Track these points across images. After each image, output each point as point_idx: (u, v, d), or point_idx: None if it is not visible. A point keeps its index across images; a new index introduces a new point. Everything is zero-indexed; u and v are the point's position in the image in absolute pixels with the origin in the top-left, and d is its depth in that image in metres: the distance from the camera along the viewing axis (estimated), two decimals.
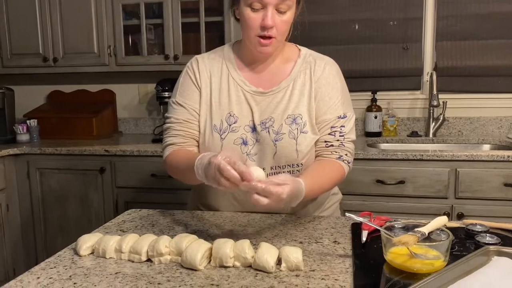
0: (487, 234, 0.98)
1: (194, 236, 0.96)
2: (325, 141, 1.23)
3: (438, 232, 0.91)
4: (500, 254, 0.84)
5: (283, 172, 1.23)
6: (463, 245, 0.96)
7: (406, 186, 2.09)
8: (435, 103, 2.45)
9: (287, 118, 1.22)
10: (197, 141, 1.26)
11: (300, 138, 1.21)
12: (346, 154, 1.23)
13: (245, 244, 0.90)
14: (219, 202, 1.30)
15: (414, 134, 2.59)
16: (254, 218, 1.20)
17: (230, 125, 1.22)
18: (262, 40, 1.16)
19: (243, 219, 1.20)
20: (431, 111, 2.56)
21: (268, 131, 1.21)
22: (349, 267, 0.88)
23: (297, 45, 1.32)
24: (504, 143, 2.38)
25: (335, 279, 0.83)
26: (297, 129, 1.21)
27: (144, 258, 0.93)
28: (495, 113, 2.55)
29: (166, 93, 2.63)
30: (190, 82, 1.28)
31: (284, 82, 1.24)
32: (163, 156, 1.27)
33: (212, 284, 0.82)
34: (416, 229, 0.90)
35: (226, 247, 0.89)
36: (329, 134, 1.23)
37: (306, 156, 1.22)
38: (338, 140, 1.22)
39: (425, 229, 0.90)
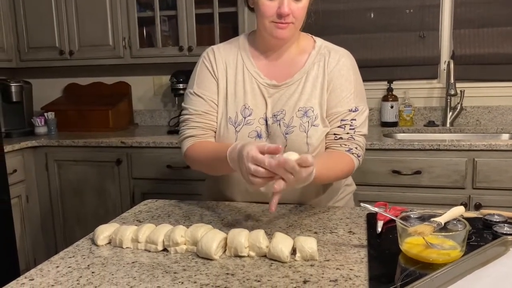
0: (505, 224, 0.97)
1: (209, 226, 0.97)
2: (334, 134, 1.21)
3: (455, 222, 0.90)
4: None
5: None
6: (481, 236, 0.95)
7: (422, 177, 2.07)
8: (452, 92, 2.41)
9: (298, 111, 1.21)
10: (215, 132, 1.26)
11: (311, 131, 1.20)
12: (356, 148, 1.21)
13: (260, 234, 0.90)
14: (233, 192, 1.30)
15: (431, 123, 2.55)
16: (267, 208, 1.20)
17: (245, 118, 1.22)
18: (279, 24, 1.15)
19: (258, 209, 1.20)
20: (448, 100, 2.52)
21: (279, 124, 1.21)
22: (364, 257, 0.88)
23: (313, 36, 1.31)
24: None
25: (350, 269, 0.83)
26: (308, 122, 1.20)
27: (160, 247, 0.94)
28: None
29: (181, 85, 2.64)
30: (208, 73, 1.27)
31: (297, 74, 1.24)
32: (182, 148, 1.27)
33: (227, 273, 0.82)
34: (432, 219, 0.89)
35: (241, 237, 0.89)
36: (338, 127, 1.21)
37: (316, 149, 1.21)
38: (348, 133, 1.21)
39: (442, 219, 0.89)
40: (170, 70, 2.74)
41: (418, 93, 2.63)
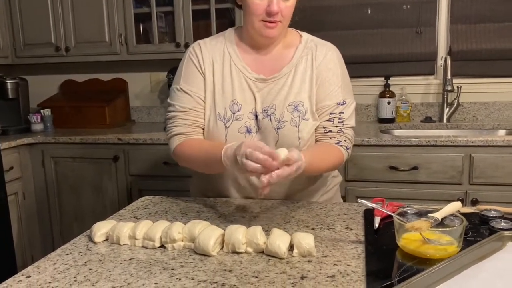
0: (502, 220, 0.97)
1: (207, 223, 0.97)
2: (324, 127, 1.23)
3: (452, 217, 0.91)
4: None
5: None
6: (477, 231, 0.95)
7: (419, 172, 2.07)
8: (449, 88, 2.41)
9: (288, 105, 1.21)
10: (203, 129, 1.26)
11: (302, 125, 1.21)
12: (345, 140, 1.22)
13: (257, 230, 0.90)
14: (223, 187, 1.30)
15: (427, 119, 2.56)
16: (266, 204, 1.21)
17: (234, 113, 1.22)
18: (268, 23, 1.15)
19: (255, 206, 1.20)
20: (445, 96, 2.52)
21: (270, 119, 1.21)
22: (361, 252, 0.88)
23: (298, 31, 1.31)
24: None
25: (348, 265, 0.83)
26: (299, 116, 1.21)
27: (157, 244, 0.94)
28: (510, 98, 2.51)
29: None
30: (194, 68, 1.26)
31: (285, 68, 1.23)
32: (171, 146, 1.26)
33: (225, 270, 0.82)
34: (429, 214, 0.89)
35: (239, 233, 0.89)
36: (327, 120, 1.22)
37: (307, 143, 1.22)
38: (337, 126, 1.22)
39: (438, 215, 0.89)
40: (167, 67, 2.73)
41: (415, 89, 2.63)
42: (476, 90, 2.54)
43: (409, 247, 0.85)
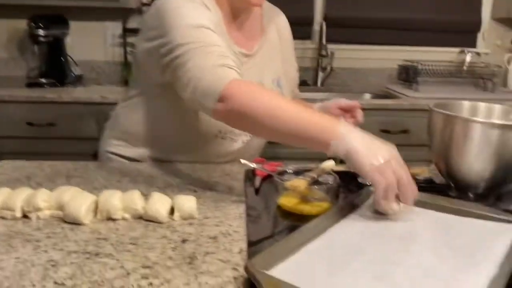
0: None
1: (77, 189, 0.88)
2: (295, 95, 1.36)
3: (326, 175, 0.96)
4: None
5: None
6: (348, 187, 1.02)
7: None
8: (323, 53, 2.53)
9: (273, 82, 1.20)
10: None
11: None
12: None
13: (135, 194, 0.84)
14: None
15: (303, 83, 2.67)
16: (145, 167, 1.15)
17: None
18: None
19: (132, 169, 1.13)
20: (320, 61, 2.65)
21: None
22: (243, 212, 0.88)
23: None
24: (382, 92, 2.58)
25: (229, 225, 0.82)
26: (282, 92, 1.22)
27: (18, 214, 0.82)
28: (377, 65, 2.73)
29: (41, 30, 2.33)
30: (204, 8, 1.01)
31: (260, 41, 1.19)
32: (219, 82, 0.86)
33: (99, 238, 0.76)
34: (306, 173, 0.93)
35: (114, 199, 0.83)
36: (295, 87, 1.36)
37: None
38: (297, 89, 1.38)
39: (315, 173, 0.94)
40: (26, 14, 2.40)
41: None
42: (347, 56, 2.71)
43: (288, 204, 0.88)
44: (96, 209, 0.84)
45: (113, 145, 1.26)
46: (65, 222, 0.82)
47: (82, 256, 0.70)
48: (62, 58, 2.50)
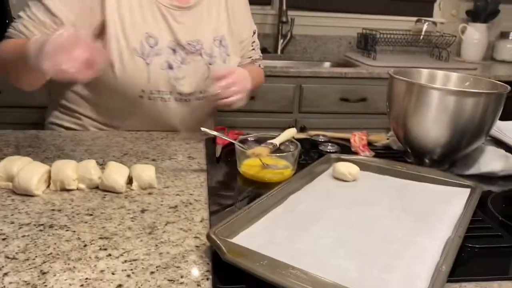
0: (329, 144, 1.06)
1: (28, 159, 0.84)
2: (250, 57, 1.30)
3: (287, 143, 0.95)
4: (339, 160, 0.92)
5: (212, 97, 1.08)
6: (308, 155, 1.02)
7: (255, 102, 2.15)
8: (284, 19, 2.50)
9: (214, 40, 1.15)
10: None
11: (229, 61, 1.19)
12: (263, 68, 1.33)
13: (90, 164, 0.81)
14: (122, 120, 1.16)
15: (264, 50, 2.63)
16: (101, 136, 1.10)
17: (152, 48, 1.07)
18: None
19: (87, 138, 1.08)
20: (280, 27, 2.61)
21: (201, 54, 1.13)
22: (204, 181, 0.87)
23: None
24: (341, 61, 2.59)
25: (190, 194, 0.81)
26: (225, 52, 1.18)
27: None
28: (336, 32, 2.73)
29: None
30: None
31: None
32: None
33: (53, 209, 0.73)
34: (268, 141, 0.92)
35: (67, 169, 0.79)
36: (252, 49, 1.29)
37: None
38: (257, 53, 1.33)
39: (277, 141, 0.93)
40: None
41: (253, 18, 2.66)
42: (307, 23, 2.69)
43: (250, 172, 0.87)
44: (48, 180, 0.80)
45: (55, 116, 1.21)
46: (16, 194, 0.77)
47: (35, 229, 0.67)
48: (6, 20, 2.34)
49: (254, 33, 1.31)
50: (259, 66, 1.37)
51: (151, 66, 1.08)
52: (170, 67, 1.11)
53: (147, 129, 1.15)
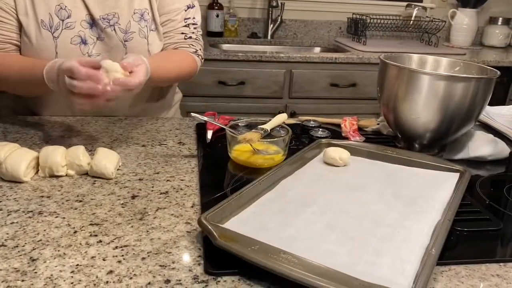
0: (320, 129, 1.06)
1: (15, 145, 0.83)
2: (183, 33, 1.15)
3: (278, 128, 0.95)
4: (330, 145, 0.92)
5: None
6: (299, 140, 1.02)
7: (245, 87, 2.14)
8: (274, 4, 2.47)
9: (134, 13, 1.08)
10: (18, 46, 1.04)
11: (151, 37, 1.10)
12: (200, 49, 1.20)
13: (79, 150, 0.80)
14: (50, 107, 1.13)
15: (253, 35, 2.62)
16: (89, 121, 1.09)
17: (63, 21, 1.03)
18: None
19: (76, 124, 1.07)
20: (270, 12, 2.59)
21: (114, 29, 1.06)
22: (194, 166, 0.87)
23: None
24: (332, 46, 2.58)
25: (181, 180, 0.81)
26: (146, 26, 1.10)
27: None
28: (326, 17, 2.72)
29: None
30: None
31: None
32: None
33: (42, 196, 0.72)
34: (259, 126, 0.92)
35: (56, 155, 0.78)
36: (184, 26, 1.15)
37: None
38: (193, 32, 1.18)
39: (267, 126, 0.93)
40: None
41: (242, 3, 2.63)
42: (297, 7, 2.67)
43: (240, 158, 0.87)
44: (37, 166, 0.79)
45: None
46: (3, 180, 0.76)
47: (24, 215, 0.66)
48: None
49: (188, 7, 1.16)
50: (196, 51, 1.19)
51: (59, 39, 1.03)
52: (84, 42, 1.06)
53: (72, 114, 1.12)
